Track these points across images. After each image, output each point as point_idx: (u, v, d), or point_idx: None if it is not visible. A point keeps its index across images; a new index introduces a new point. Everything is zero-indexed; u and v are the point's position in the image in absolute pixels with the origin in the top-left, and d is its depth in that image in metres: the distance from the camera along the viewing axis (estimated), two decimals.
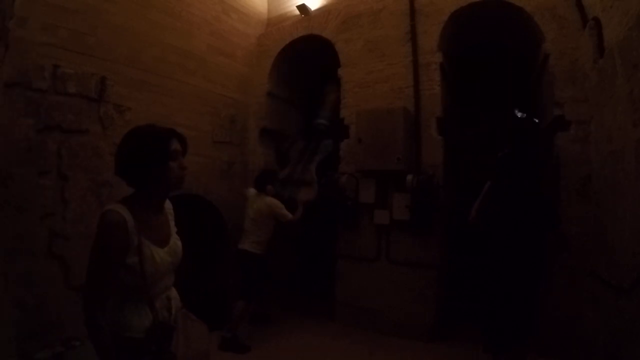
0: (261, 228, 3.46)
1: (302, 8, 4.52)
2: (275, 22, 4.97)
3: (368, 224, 3.81)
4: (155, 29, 3.60)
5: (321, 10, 4.49)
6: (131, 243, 1.21)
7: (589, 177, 2.83)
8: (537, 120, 4.05)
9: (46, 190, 2.73)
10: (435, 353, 3.21)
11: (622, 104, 2.17)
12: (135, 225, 1.22)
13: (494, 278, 2.61)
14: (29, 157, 2.64)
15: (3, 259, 2.45)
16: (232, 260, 3.74)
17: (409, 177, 3.39)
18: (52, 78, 2.79)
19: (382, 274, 3.69)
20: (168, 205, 1.49)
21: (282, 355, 3.18)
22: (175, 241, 1.44)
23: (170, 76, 3.74)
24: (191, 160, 3.92)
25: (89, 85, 3.03)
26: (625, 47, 2.11)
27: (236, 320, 3.24)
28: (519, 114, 4.43)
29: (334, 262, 4.03)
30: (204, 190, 4.01)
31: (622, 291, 2.10)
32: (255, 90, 4.79)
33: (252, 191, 3.66)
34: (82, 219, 2.91)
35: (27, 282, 2.57)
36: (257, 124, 4.73)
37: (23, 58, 2.63)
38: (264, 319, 3.86)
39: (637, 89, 1.96)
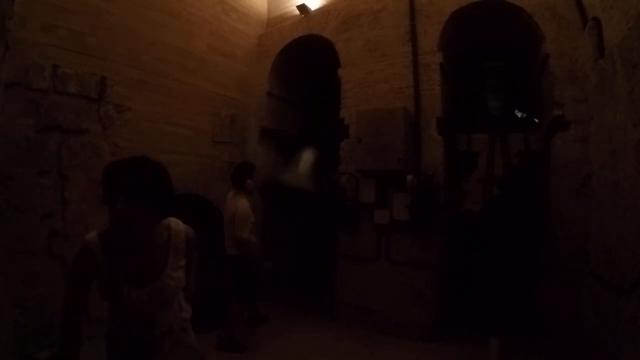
0: (238, 229, 3.22)
1: (302, 8, 4.52)
2: (275, 22, 4.97)
3: (368, 224, 3.81)
4: (155, 29, 3.60)
5: (321, 10, 4.49)
6: (98, 272, 1.19)
7: (589, 177, 2.82)
8: (536, 120, 4.05)
9: (46, 190, 2.74)
10: (435, 353, 3.21)
11: (622, 104, 2.16)
12: (107, 258, 1.18)
13: (488, 271, 2.79)
14: (29, 157, 2.64)
15: (3, 259, 2.45)
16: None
17: (409, 177, 3.38)
18: (52, 78, 2.79)
19: (382, 274, 3.69)
20: (179, 235, 1.33)
21: (281, 355, 3.17)
22: (167, 280, 1.26)
23: (170, 76, 3.74)
24: (191, 160, 3.99)
25: (89, 85, 3.03)
26: (625, 47, 2.10)
27: (232, 322, 3.24)
28: (519, 114, 4.44)
29: (334, 262, 4.03)
30: (204, 190, 4.01)
31: (622, 291, 2.09)
32: (255, 90, 4.79)
33: (230, 193, 3.41)
34: (82, 219, 2.90)
35: (27, 282, 2.57)
36: (257, 124, 4.73)
37: (23, 58, 2.63)
38: (261, 319, 3.85)
39: (637, 89, 1.96)
